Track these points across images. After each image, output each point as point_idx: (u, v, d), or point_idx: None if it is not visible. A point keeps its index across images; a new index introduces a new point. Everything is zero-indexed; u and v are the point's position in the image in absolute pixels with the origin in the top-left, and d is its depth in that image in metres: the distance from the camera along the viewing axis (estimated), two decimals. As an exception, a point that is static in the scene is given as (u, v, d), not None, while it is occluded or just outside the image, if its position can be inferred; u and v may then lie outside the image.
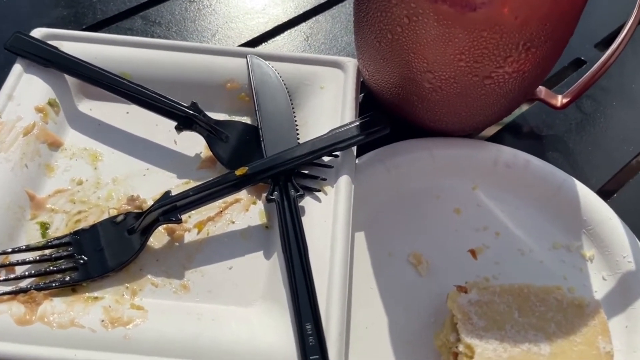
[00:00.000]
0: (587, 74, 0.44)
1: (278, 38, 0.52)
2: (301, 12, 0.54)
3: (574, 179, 0.42)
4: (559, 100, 0.46)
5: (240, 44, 0.51)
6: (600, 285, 0.38)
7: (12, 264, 0.35)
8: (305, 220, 0.37)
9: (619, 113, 0.49)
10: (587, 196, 0.41)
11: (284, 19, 0.53)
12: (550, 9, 0.33)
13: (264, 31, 0.52)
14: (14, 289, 0.34)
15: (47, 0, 0.52)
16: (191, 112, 0.41)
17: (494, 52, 0.35)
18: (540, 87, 0.46)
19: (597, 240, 0.40)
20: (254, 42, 0.51)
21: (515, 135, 0.47)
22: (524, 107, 0.48)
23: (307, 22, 0.53)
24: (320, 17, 0.53)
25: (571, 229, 0.40)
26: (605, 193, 0.44)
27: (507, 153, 0.42)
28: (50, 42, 0.44)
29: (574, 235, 0.40)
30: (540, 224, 0.41)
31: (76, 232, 0.37)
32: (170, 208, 0.37)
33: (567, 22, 0.36)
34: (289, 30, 0.52)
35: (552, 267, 0.39)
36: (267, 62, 0.45)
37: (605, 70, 0.43)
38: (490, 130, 0.47)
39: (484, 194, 0.42)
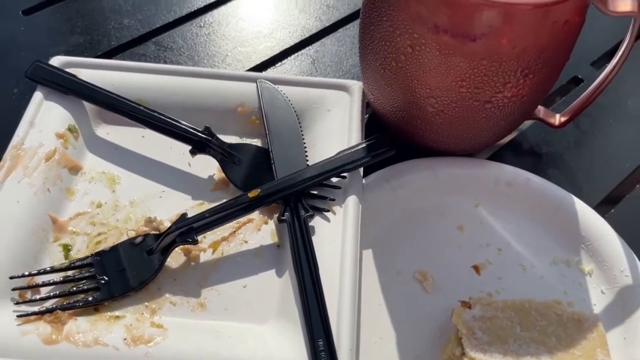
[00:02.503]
0: (584, 93, 0.45)
1: (285, 61, 0.54)
2: (307, 35, 0.56)
3: (573, 197, 0.43)
4: (557, 119, 0.47)
5: (249, 67, 0.53)
6: (599, 299, 0.40)
7: (38, 285, 0.37)
8: (315, 239, 0.39)
9: (616, 130, 0.51)
10: (586, 213, 0.42)
11: (290, 42, 0.55)
12: (546, 39, 0.35)
13: (272, 55, 0.54)
14: (40, 309, 0.36)
15: (63, 28, 0.55)
16: (205, 136, 0.43)
17: (493, 78, 0.36)
18: (539, 106, 0.47)
19: (596, 255, 0.41)
20: (263, 66, 0.53)
21: (515, 153, 0.49)
22: (524, 126, 0.50)
23: (313, 45, 0.55)
24: (325, 40, 0.55)
25: (570, 245, 0.42)
26: (602, 209, 0.46)
27: (508, 171, 0.44)
28: (68, 70, 0.46)
29: (573, 251, 0.42)
30: (541, 240, 0.42)
31: (97, 254, 0.39)
32: (187, 230, 0.38)
33: (563, 50, 0.38)
34: (296, 54, 0.54)
35: (552, 281, 0.41)
36: (276, 87, 0.46)
37: (602, 90, 0.44)
38: (492, 149, 0.49)
39: (486, 211, 0.44)
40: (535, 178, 0.44)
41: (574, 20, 0.36)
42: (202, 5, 0.58)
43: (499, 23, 0.34)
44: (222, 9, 0.57)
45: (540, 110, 0.48)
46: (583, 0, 0.36)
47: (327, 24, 0.57)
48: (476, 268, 0.41)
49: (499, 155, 0.48)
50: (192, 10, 0.57)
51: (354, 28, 0.57)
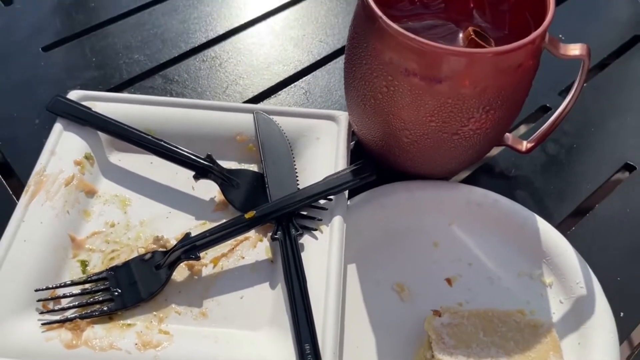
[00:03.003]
0: (545, 124, 0.50)
1: (281, 92, 0.59)
2: (300, 68, 0.61)
3: (536, 216, 0.48)
4: (524, 145, 0.52)
5: (247, 98, 0.58)
6: (557, 308, 0.45)
7: (59, 297, 0.41)
8: (304, 255, 0.43)
9: (579, 154, 0.56)
10: (547, 230, 0.47)
11: (285, 75, 0.60)
12: (503, 80, 0.40)
13: (268, 86, 0.59)
14: (62, 318, 0.40)
15: (79, 64, 0.60)
16: (207, 163, 0.48)
17: (458, 114, 0.42)
18: (507, 134, 0.53)
19: (555, 269, 0.46)
20: (260, 97, 0.58)
21: (488, 176, 0.54)
22: (495, 151, 0.55)
23: (305, 77, 0.60)
24: (317, 73, 0.61)
25: (533, 259, 0.47)
26: (565, 226, 0.50)
27: (478, 193, 0.49)
28: (84, 103, 0.51)
29: (535, 265, 0.47)
30: (507, 255, 0.47)
31: (111, 269, 0.43)
32: (190, 247, 0.43)
33: (520, 88, 0.43)
34: (289, 86, 0.59)
35: (517, 292, 0.45)
36: (270, 117, 0.51)
37: (562, 119, 0.49)
38: (466, 172, 0.54)
39: (458, 229, 0.49)
40: (502, 199, 0.49)
41: (527, 63, 0.41)
42: (205, 41, 0.63)
43: (461, 68, 0.39)
44: (223, 45, 0.63)
45: (509, 137, 0.53)
46: (536, 47, 0.41)
47: (319, 58, 0.62)
48: (449, 280, 0.46)
49: (473, 179, 0.53)
50: (196, 45, 0.62)
51: (341, 61, 0.62)
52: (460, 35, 0.45)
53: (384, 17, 0.39)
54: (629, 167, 0.56)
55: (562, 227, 0.50)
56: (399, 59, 0.40)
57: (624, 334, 0.44)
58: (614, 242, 0.50)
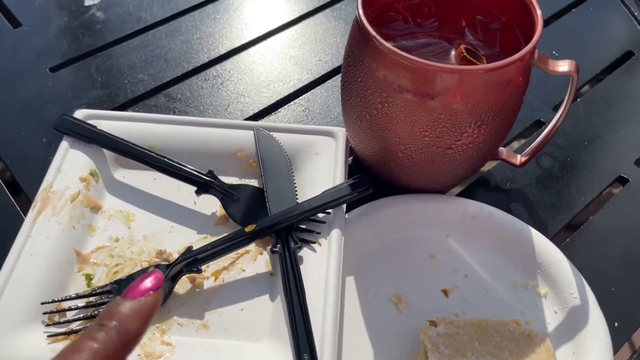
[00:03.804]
0: (538, 138, 0.52)
1: (281, 110, 0.61)
2: (299, 87, 0.62)
3: (530, 227, 0.49)
4: (518, 159, 0.54)
5: (248, 115, 0.60)
6: (552, 318, 0.45)
7: (64, 310, 0.43)
8: (303, 268, 0.44)
9: (573, 168, 0.57)
10: (541, 242, 0.48)
11: (285, 93, 0.62)
12: (494, 96, 0.42)
13: (268, 104, 0.61)
14: (67, 330, 0.42)
15: (85, 84, 0.62)
16: (208, 178, 0.49)
17: (451, 129, 0.43)
18: (501, 148, 0.54)
19: (550, 279, 0.47)
20: (261, 114, 0.60)
21: (483, 189, 0.55)
22: (490, 165, 0.56)
23: (304, 95, 0.62)
24: (316, 91, 0.62)
25: (528, 270, 0.48)
26: (560, 238, 0.51)
27: (473, 206, 0.50)
28: (90, 121, 0.53)
29: (530, 276, 0.47)
30: (502, 267, 0.48)
31: (115, 282, 0.44)
32: (192, 260, 0.44)
33: (511, 104, 0.44)
34: (289, 103, 0.61)
35: (512, 303, 0.46)
36: (270, 133, 0.53)
37: (554, 133, 0.51)
38: (462, 185, 0.55)
39: (455, 241, 0.50)
40: (497, 211, 0.50)
41: (517, 79, 0.42)
42: (207, 61, 0.65)
43: (453, 84, 0.41)
44: (225, 64, 0.65)
45: (503, 151, 0.54)
46: (525, 63, 0.42)
47: (317, 76, 0.64)
48: (445, 292, 0.47)
49: (469, 192, 0.54)
50: (198, 65, 0.64)
51: (340, 79, 0.63)
52: (453, 52, 0.46)
53: (378, 37, 0.41)
54: (622, 180, 0.57)
55: (556, 239, 0.51)
56: (392, 77, 0.41)
57: (618, 344, 0.45)
58: (608, 254, 0.51)
